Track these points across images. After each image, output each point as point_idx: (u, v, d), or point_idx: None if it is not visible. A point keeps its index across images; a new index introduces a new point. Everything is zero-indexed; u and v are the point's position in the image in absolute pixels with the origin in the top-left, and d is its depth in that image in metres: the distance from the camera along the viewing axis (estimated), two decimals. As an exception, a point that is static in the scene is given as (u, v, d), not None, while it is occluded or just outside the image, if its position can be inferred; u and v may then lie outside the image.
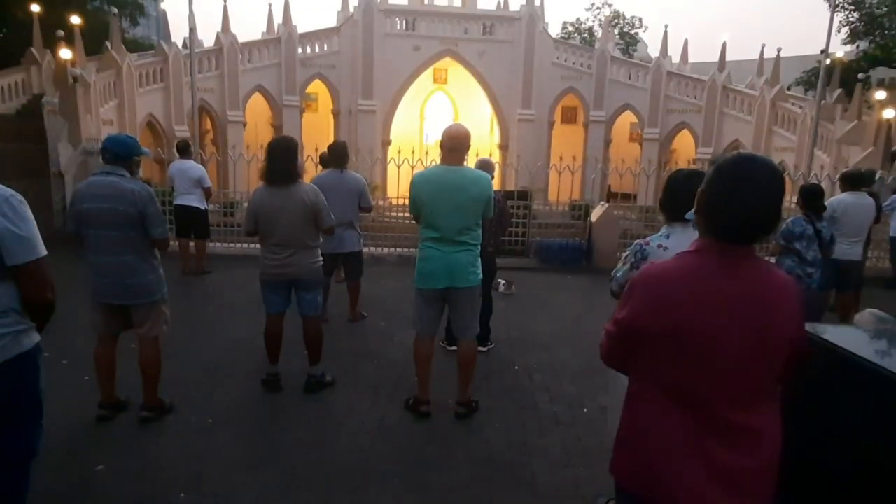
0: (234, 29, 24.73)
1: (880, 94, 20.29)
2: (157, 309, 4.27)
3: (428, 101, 28.71)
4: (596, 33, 38.36)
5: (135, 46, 25.85)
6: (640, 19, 43.15)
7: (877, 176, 11.81)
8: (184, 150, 9.40)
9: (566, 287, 9.40)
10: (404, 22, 26.38)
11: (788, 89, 25.85)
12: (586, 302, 8.34)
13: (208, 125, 25.44)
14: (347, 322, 6.99)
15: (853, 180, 7.23)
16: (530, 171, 12.87)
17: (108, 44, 20.67)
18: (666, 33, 26.73)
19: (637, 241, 2.99)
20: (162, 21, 36.41)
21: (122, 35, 23.37)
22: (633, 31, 42.64)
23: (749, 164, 1.79)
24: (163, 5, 31.77)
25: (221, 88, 24.38)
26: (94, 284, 4.17)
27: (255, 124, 25.11)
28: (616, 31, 37.98)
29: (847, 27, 23.57)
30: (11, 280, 2.36)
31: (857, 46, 26.57)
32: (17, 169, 11.93)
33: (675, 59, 27.78)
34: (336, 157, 6.64)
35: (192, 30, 18.59)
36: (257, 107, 25.52)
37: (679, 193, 2.83)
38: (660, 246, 2.88)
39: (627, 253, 3.02)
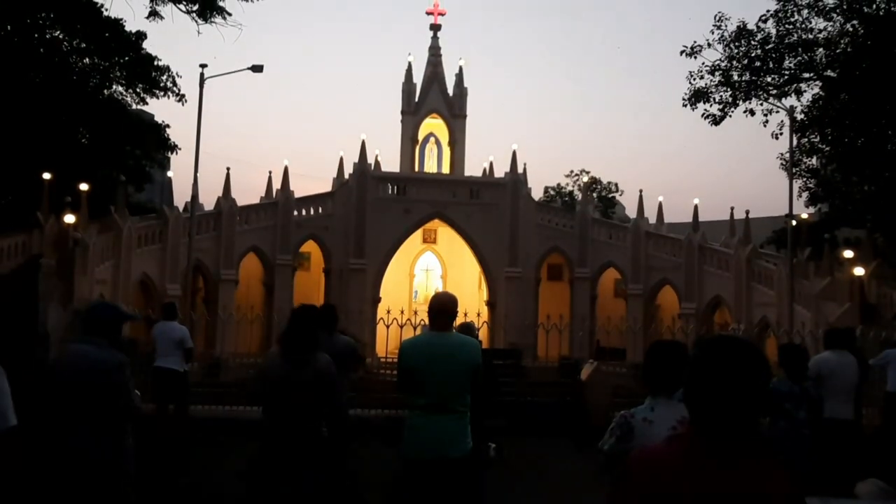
0: (234, 192, 26.16)
1: (848, 253, 21.32)
2: (118, 487, 3.96)
3: (417, 260, 29.63)
4: (576, 197, 40.84)
5: (139, 210, 27.03)
6: (616, 184, 46.06)
7: (857, 332, 12.03)
8: (169, 312, 9.46)
9: (559, 451, 9.08)
10: (395, 187, 28.07)
11: (761, 247, 27.12)
12: (582, 470, 7.99)
13: (201, 284, 25.84)
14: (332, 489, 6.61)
15: (836, 338, 7.37)
16: (518, 329, 13.02)
17: (112, 208, 21.64)
18: (641, 197, 28.60)
19: (622, 412, 3.01)
20: (167, 186, 38.38)
21: (128, 199, 24.55)
22: (610, 195, 45.40)
23: (732, 348, 1.80)
24: (169, 172, 33.65)
25: (217, 248, 25.15)
26: (60, 462, 3.87)
27: (248, 283, 25.57)
28: (595, 195, 40.47)
29: (807, 192, 25.38)
30: None
31: (819, 209, 28.38)
32: (3, 330, 11.90)
33: (652, 219, 29.37)
34: (325, 320, 6.70)
35: (195, 197, 19.63)
36: (250, 266, 26.15)
37: (661, 366, 2.90)
38: (645, 419, 2.89)
39: (613, 425, 3.02)
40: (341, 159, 29.77)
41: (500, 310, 25.55)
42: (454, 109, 30.35)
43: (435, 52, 31.14)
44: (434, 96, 30.30)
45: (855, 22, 17.73)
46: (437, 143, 30.87)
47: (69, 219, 18.77)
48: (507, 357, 11.07)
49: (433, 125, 30.79)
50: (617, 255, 27.63)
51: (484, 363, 5.33)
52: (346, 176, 28.40)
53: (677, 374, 2.95)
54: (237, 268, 25.58)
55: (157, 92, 25.86)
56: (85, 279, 18.10)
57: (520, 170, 28.48)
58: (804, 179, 24.59)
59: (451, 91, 30.62)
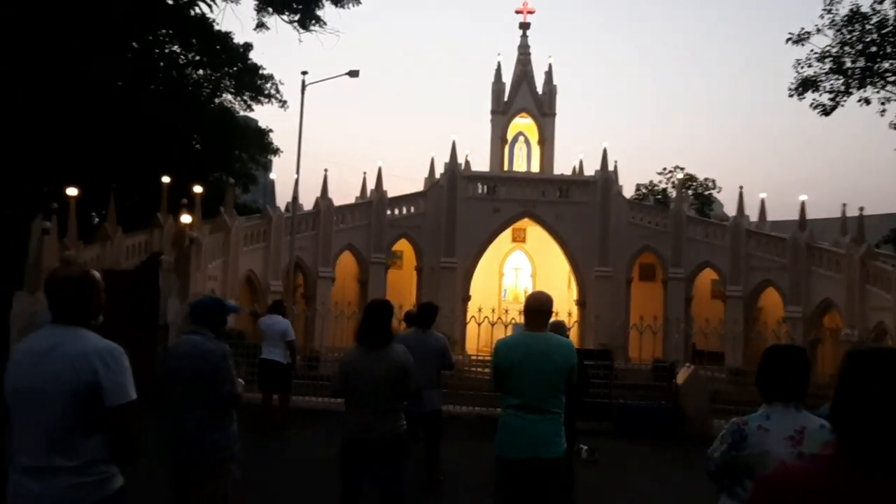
0: (331, 193, 27.36)
1: (984, 254, 19.25)
2: (225, 468, 4.29)
3: (507, 259, 29.68)
4: (670, 194, 39.33)
5: (244, 210, 28.83)
6: (714, 180, 43.86)
7: None
8: (275, 307, 10.12)
9: (653, 458, 8.90)
10: (485, 187, 28.28)
11: (877, 247, 25.03)
12: (677, 478, 7.82)
13: (300, 280, 27.20)
14: (422, 487, 6.77)
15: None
16: (609, 329, 12.84)
17: (222, 209, 23.25)
18: (741, 193, 27.12)
19: (734, 419, 2.93)
20: (270, 188, 40.66)
21: (235, 201, 26.27)
22: (706, 192, 43.35)
23: (890, 363, 1.62)
24: (272, 175, 35.66)
25: (315, 247, 26.35)
26: (172, 444, 4.32)
27: (343, 280, 26.62)
28: (690, 192, 38.81)
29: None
30: (101, 432, 2.62)
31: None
32: (128, 322, 13.13)
33: (753, 217, 27.83)
34: (424, 317, 6.96)
35: (295, 198, 20.71)
36: (346, 264, 27.22)
37: (780, 372, 2.84)
38: (760, 427, 2.81)
39: (724, 432, 2.94)
40: (432, 159, 30.34)
41: (590, 309, 25.13)
42: (543, 108, 30.11)
43: (524, 50, 31.02)
44: (523, 95, 30.20)
45: None
46: (527, 141, 30.76)
47: (185, 219, 20.32)
48: (598, 358, 10.95)
49: (523, 124, 30.70)
50: (714, 255, 26.40)
51: (578, 364, 5.39)
52: (437, 176, 28.90)
53: (797, 381, 2.87)
54: (334, 265, 26.66)
55: (262, 99, 27.54)
56: (199, 275, 19.53)
57: (610, 167, 27.86)
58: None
59: (540, 89, 30.41)
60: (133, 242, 21.04)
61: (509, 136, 30.42)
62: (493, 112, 30.40)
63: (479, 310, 11.44)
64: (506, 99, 30.30)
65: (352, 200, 29.50)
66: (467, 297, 26.42)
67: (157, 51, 25.61)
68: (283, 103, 27.15)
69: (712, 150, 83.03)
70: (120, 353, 2.68)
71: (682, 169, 43.18)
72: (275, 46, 31.42)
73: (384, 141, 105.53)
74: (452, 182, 27.64)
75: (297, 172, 20.70)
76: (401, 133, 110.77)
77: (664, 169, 44.33)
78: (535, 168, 30.06)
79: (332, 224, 26.65)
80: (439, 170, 28.90)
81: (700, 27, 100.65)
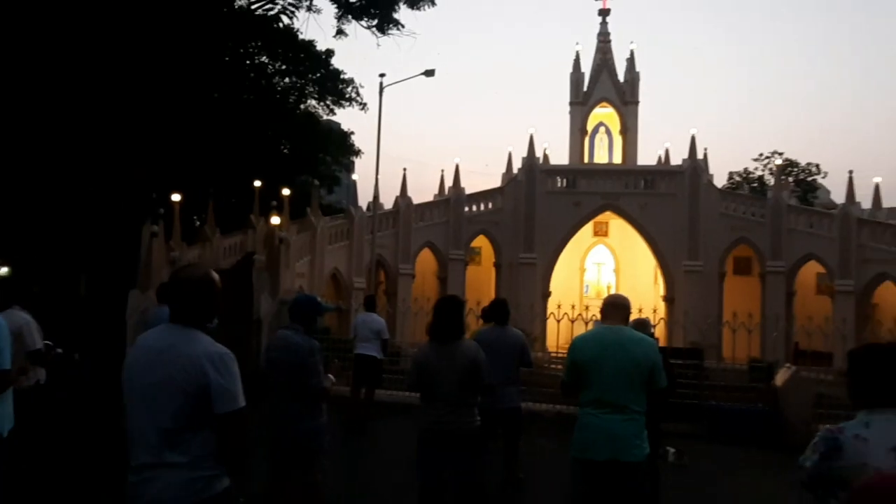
0: (410, 191, 27.66)
1: None
2: (314, 458, 4.48)
3: (588, 254, 28.90)
4: (767, 182, 36.92)
5: (329, 210, 29.73)
6: (818, 165, 40.71)
7: None
8: (370, 304, 10.30)
9: (748, 465, 8.27)
10: (565, 180, 27.63)
11: None
12: (773, 487, 7.21)
13: (382, 277, 27.71)
14: (503, 487, 6.69)
15: None
16: (700, 326, 12.09)
17: (308, 209, 24.03)
18: (851, 178, 24.87)
19: (827, 427, 2.62)
20: (352, 188, 41.75)
21: (320, 201, 27.13)
22: (810, 178, 40.38)
23: None
24: (354, 175, 36.59)
25: (395, 245, 26.76)
26: (270, 432, 4.56)
27: (423, 276, 26.86)
28: (790, 179, 36.25)
29: None
30: (211, 429, 2.66)
31: None
32: (227, 316, 13.80)
33: (866, 204, 25.55)
34: (498, 313, 6.83)
35: (376, 198, 21.07)
36: (425, 260, 27.45)
37: (881, 374, 2.49)
38: (857, 437, 2.48)
39: (817, 440, 2.64)
40: (510, 154, 30.02)
41: (678, 306, 23.95)
42: (625, 96, 29.04)
43: (604, 38, 30.04)
44: (603, 84, 29.27)
45: None
46: (608, 132, 29.79)
47: (275, 220, 21.19)
48: (688, 357, 10.33)
49: (603, 114, 29.76)
50: (820, 247, 24.42)
51: (661, 362, 5.04)
52: (515, 170, 28.55)
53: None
54: (413, 262, 26.97)
55: (343, 102, 28.27)
56: (288, 273, 20.30)
57: (699, 155, 26.43)
58: None
59: (621, 77, 29.36)
60: (229, 243, 22.16)
61: (589, 127, 29.59)
62: (571, 103, 29.67)
63: (559, 306, 11.07)
64: (585, 89, 29.50)
65: (430, 198, 29.71)
66: (547, 294, 25.92)
67: (247, 62, 26.85)
68: (363, 106, 27.75)
69: (815, 134, 77.32)
70: (231, 360, 2.71)
71: (780, 154, 40.45)
72: (354, 50, 32.18)
73: (462, 138, 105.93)
74: (530, 176, 27.21)
75: (377, 172, 21.05)
76: (478, 130, 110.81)
77: (760, 155, 41.70)
78: (617, 159, 29.07)
79: (412, 222, 26.93)
80: (517, 164, 28.55)
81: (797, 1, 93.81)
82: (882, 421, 2.47)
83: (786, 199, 25.68)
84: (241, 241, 22.75)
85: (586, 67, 29.87)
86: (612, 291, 26.61)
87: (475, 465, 4.82)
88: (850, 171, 25.08)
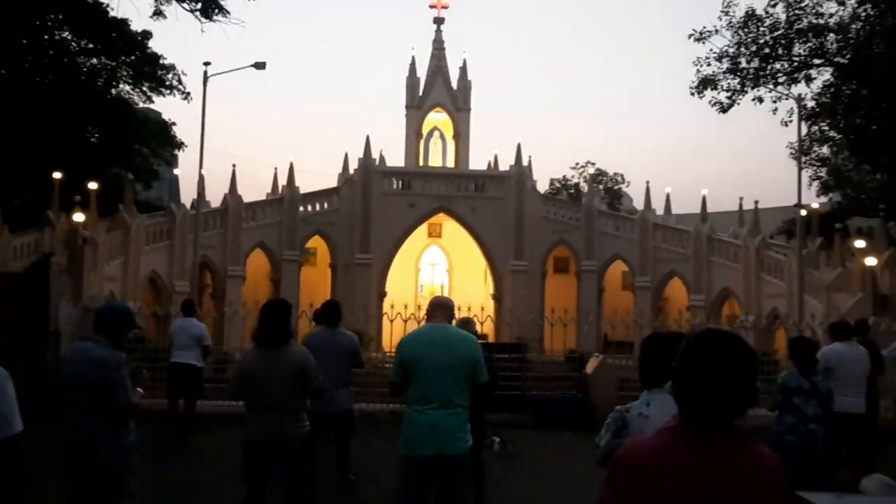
0: (240, 189, 26.26)
1: (860, 243, 21.06)
2: (120, 481, 4.07)
3: (423, 255, 29.59)
4: (582, 189, 40.64)
5: (147, 208, 27.16)
6: (622, 175, 45.75)
7: (870, 322, 11.88)
8: (188, 308, 9.56)
9: (565, 446, 9.02)
10: (400, 182, 28.04)
11: (771, 238, 26.86)
12: (587, 465, 7.93)
13: (208, 280, 25.97)
14: (334, 487, 6.61)
15: (841, 330, 7.27)
16: (523, 322, 12.94)
17: (121, 206, 21.75)
18: (648, 188, 28.39)
19: (618, 407, 2.95)
20: (174, 184, 38.56)
21: (135, 197, 24.68)
22: (616, 187, 45.14)
23: (719, 341, 1.81)
24: (176, 170, 33.82)
25: (224, 245, 25.24)
26: (67, 455, 4.05)
27: (254, 278, 25.67)
28: (601, 187, 40.23)
29: (817, 181, 25.11)
30: None
31: (830, 198, 28.06)
32: (16, 327, 11.98)
33: (660, 210, 29.17)
34: (329, 315, 6.73)
35: (201, 194, 19.69)
36: (257, 262, 26.25)
37: (657, 359, 2.83)
38: (640, 414, 2.82)
39: (609, 420, 2.96)
40: (346, 155, 29.77)
41: (506, 303, 25.47)
42: (458, 103, 30.21)
43: (439, 45, 30.98)
44: (438, 90, 30.18)
45: (868, 6, 17.39)
46: (442, 137, 30.75)
47: (79, 217, 18.91)
48: (512, 351, 11.02)
49: (438, 119, 30.68)
50: (624, 248, 27.44)
51: (485, 358, 5.30)
52: (352, 171, 28.40)
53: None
54: (244, 264, 25.68)
55: (163, 90, 25.94)
56: (95, 277, 18.21)
57: (525, 162, 28.33)
58: (814, 168, 24.33)
59: (455, 84, 30.49)
60: (21, 242, 19.53)
61: (424, 131, 30.33)
62: (407, 107, 30.21)
63: (392, 306, 11.18)
64: (420, 94, 30.17)
65: (263, 197, 28.48)
66: (383, 294, 26.12)
67: (45, 37, 23.59)
68: (185, 95, 25.67)
69: (622, 146, 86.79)
70: (3, 378, 2.41)
71: (593, 164, 44.76)
72: (177, 36, 29.74)
73: (296, 136, 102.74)
74: (367, 177, 27.23)
75: (201, 167, 19.68)
76: (313, 128, 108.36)
77: (576, 164, 45.78)
78: (451, 163, 30.13)
79: (242, 221, 25.62)
80: (353, 165, 28.41)
81: (608, 25, 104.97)
82: (659, 399, 2.82)
83: (597, 205, 28.51)
84: (36, 241, 20.05)
85: (422, 72, 30.57)
86: (446, 291, 27.57)
87: (304, 472, 4.71)
88: (648, 182, 28.68)
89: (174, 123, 27.97)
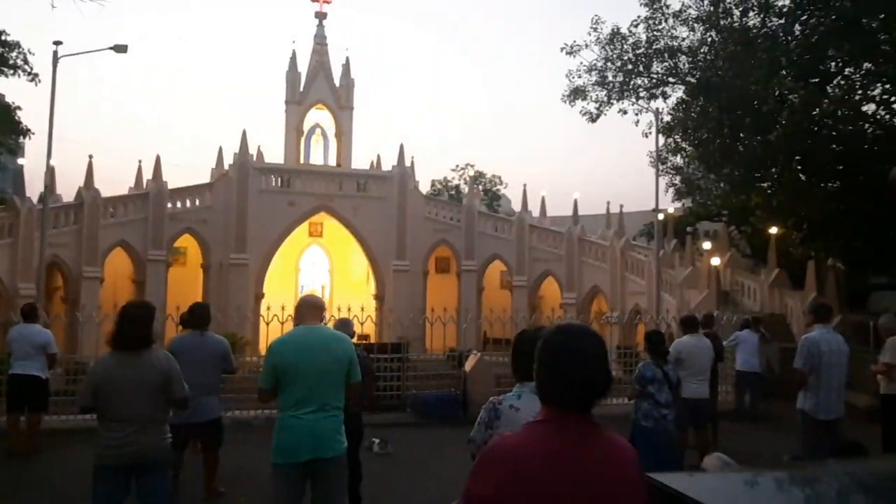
0: (99, 183, 24.07)
1: (706, 245, 23.41)
2: None
3: (303, 254, 28.83)
4: (462, 190, 41.55)
5: (-16, 201, 24.09)
6: (500, 177, 47.40)
7: (714, 316, 13.19)
8: (29, 314, 8.62)
9: (445, 443, 9.14)
10: (279, 179, 27.09)
11: (634, 240, 29.03)
12: (465, 459, 8.11)
13: (59, 282, 23.57)
14: (202, 502, 6.25)
15: (690, 324, 8.02)
16: (402, 323, 12.99)
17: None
18: (525, 191, 29.60)
19: (491, 399, 3.04)
20: (19, 175, 34.59)
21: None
22: (495, 188, 46.66)
23: (571, 335, 1.93)
24: (21, 160, 30.31)
25: (78, 243, 23.02)
26: None
27: (115, 280, 23.67)
28: (480, 189, 41.40)
29: (673, 188, 27.51)
30: None
31: (683, 204, 30.89)
32: None
33: (535, 212, 30.52)
34: (197, 319, 6.35)
35: (49, 186, 17.86)
36: (118, 262, 24.22)
37: (527, 353, 2.94)
38: (512, 406, 2.92)
39: (482, 413, 3.04)
40: (220, 149, 28.23)
41: (388, 303, 25.46)
42: (341, 101, 29.75)
43: (321, 40, 30.31)
44: (320, 86, 29.52)
45: (713, 32, 19.33)
46: (324, 134, 30.13)
47: None
48: (393, 351, 11.02)
49: (319, 116, 30.03)
50: (503, 248, 28.40)
51: (361, 358, 5.25)
52: (227, 167, 27.01)
53: None
54: (102, 264, 23.58)
55: (5, 69, 23.11)
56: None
57: (407, 163, 28.47)
58: (670, 176, 26.66)
59: (338, 82, 29.99)
60: None
61: (305, 128, 29.56)
62: (287, 102, 29.28)
63: (268, 308, 10.76)
64: (301, 89, 29.37)
65: (125, 191, 26.33)
66: (261, 295, 25.10)
67: None
68: (33, 77, 23.04)
69: (500, 149, 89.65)
70: None
71: (472, 166, 45.94)
72: (28, 14, 26.62)
73: (165, 128, 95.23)
74: (243, 174, 26.04)
75: (49, 156, 17.73)
76: (184, 120, 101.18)
77: (457, 166, 46.77)
78: (333, 162, 29.60)
79: (100, 217, 23.51)
80: (228, 160, 27.04)
81: (491, 31, 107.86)
82: (529, 392, 2.94)
83: (477, 206, 29.28)
84: None
85: (304, 67, 29.76)
86: (327, 291, 27.04)
87: (164, 490, 4.39)
88: (525, 185, 29.92)
89: (19, 108, 25.01)
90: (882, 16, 13.19)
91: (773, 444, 8.52)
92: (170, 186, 25.30)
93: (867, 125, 14.17)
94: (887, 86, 13.93)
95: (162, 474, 4.36)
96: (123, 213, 24.44)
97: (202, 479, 6.45)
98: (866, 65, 14.69)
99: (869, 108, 14.67)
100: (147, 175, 26.07)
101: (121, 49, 17.64)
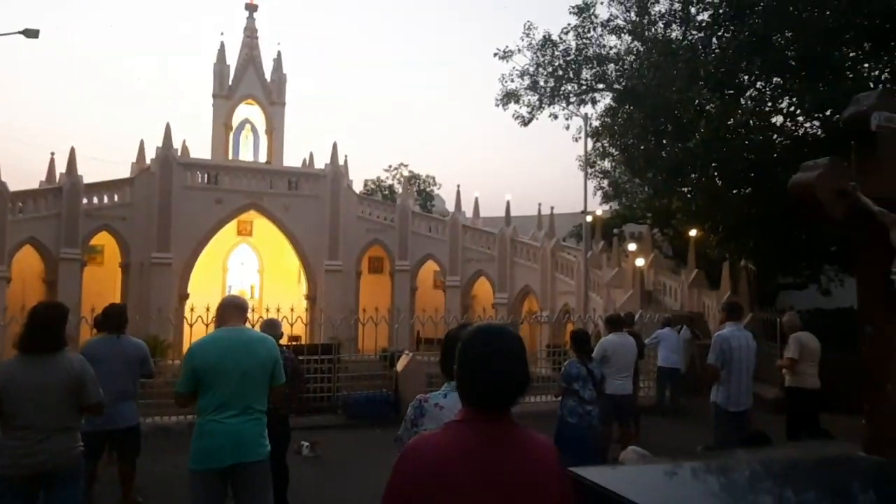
0: (4, 175, 22.46)
1: (632, 246, 24.34)
2: None
3: (231, 253, 27.96)
4: (396, 190, 41.42)
5: None
6: (434, 178, 47.60)
7: (636, 316, 13.72)
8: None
9: (376, 444, 9.06)
10: (206, 175, 26.14)
11: (564, 241, 29.81)
12: (394, 459, 8.09)
13: (-41, 282, 21.85)
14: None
15: (614, 323, 8.31)
16: (334, 323, 12.82)
17: None
18: (459, 192, 29.81)
19: (418, 396, 3.05)
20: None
21: None
22: (428, 189, 46.80)
23: (490, 335, 1.95)
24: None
25: (-19, 241, 21.44)
26: None
27: (23, 280, 22.18)
28: (414, 189, 41.41)
29: (600, 191, 28.44)
30: None
31: (611, 206, 31.98)
32: None
33: (469, 213, 30.81)
34: (113, 321, 6.03)
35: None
36: (27, 260, 22.71)
37: (453, 352, 2.97)
38: (437, 405, 2.94)
39: (409, 411, 3.05)
40: (142, 142, 27.01)
41: (319, 304, 25.05)
42: (272, 96, 29.04)
43: (251, 33, 29.50)
44: (250, 80, 28.72)
45: (638, 42, 20.10)
46: (254, 130, 29.33)
47: None
48: (324, 352, 10.84)
49: (249, 111, 29.19)
50: (436, 248, 28.51)
51: (289, 360, 5.14)
52: (148, 161, 25.82)
53: None
54: (9, 263, 22.04)
55: None
56: None
57: (340, 162, 28.12)
58: (598, 180, 27.54)
59: (269, 77, 29.26)
60: None
61: (234, 124, 28.68)
62: (215, 96, 28.35)
63: (192, 309, 10.36)
64: (230, 83, 28.47)
65: (35, 185, 24.72)
66: (185, 296, 24.16)
67: None
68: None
69: (434, 150, 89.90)
70: None
71: (406, 166, 45.88)
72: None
73: (80, 119, 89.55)
74: (166, 168, 24.97)
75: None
76: (102, 111, 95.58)
77: (390, 166, 46.61)
78: (263, 158, 28.87)
79: (7, 213, 21.96)
80: (151, 154, 25.85)
81: (427, 32, 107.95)
82: (454, 391, 2.96)
83: (411, 207, 29.26)
84: None
85: (232, 60, 28.86)
86: (257, 292, 26.32)
87: (75, 501, 4.14)
88: (458, 185, 30.15)
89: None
90: (789, 34, 14.08)
91: (691, 436, 8.95)
92: (86, 181, 23.93)
93: (776, 136, 15.09)
94: (793, 99, 14.89)
95: (72, 486, 4.09)
96: (33, 209, 22.96)
97: (118, 489, 6.13)
98: (776, 79, 15.64)
99: (777, 119, 15.64)
100: (60, 168, 24.60)
101: (31, 34, 16.54)
